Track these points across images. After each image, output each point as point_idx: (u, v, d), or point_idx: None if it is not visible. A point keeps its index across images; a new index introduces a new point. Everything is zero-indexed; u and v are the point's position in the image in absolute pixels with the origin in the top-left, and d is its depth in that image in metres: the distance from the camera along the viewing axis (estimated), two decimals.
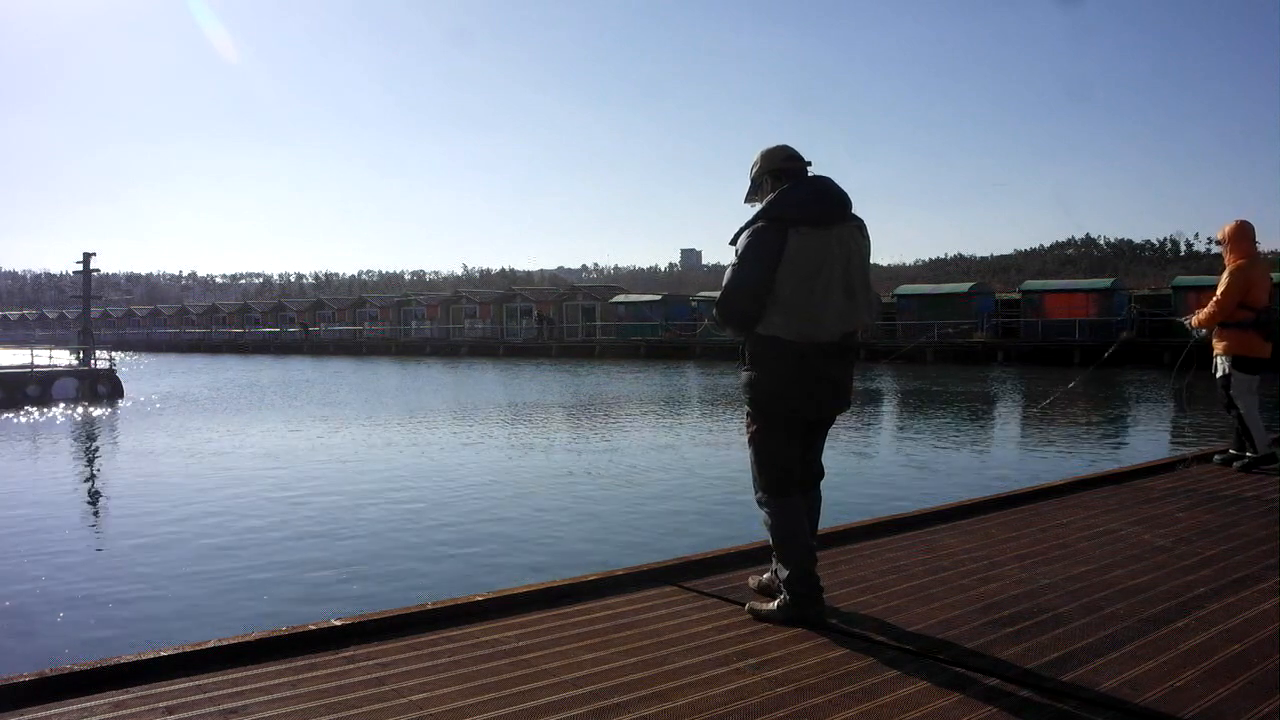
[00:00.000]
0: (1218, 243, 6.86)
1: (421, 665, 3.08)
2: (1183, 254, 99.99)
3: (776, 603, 3.52)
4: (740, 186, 3.73)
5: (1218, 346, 6.73)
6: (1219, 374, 6.76)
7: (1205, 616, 3.50)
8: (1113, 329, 37.52)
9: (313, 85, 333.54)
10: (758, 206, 3.54)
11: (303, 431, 18.34)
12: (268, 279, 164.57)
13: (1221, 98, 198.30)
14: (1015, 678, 2.94)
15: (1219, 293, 6.61)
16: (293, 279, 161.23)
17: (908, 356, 37.97)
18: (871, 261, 3.59)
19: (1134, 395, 25.29)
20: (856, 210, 3.51)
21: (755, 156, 3.62)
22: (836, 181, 3.52)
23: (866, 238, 3.52)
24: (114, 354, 31.52)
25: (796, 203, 3.41)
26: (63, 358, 31.99)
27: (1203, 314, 6.78)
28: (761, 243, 3.37)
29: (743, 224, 3.48)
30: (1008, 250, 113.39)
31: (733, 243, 3.50)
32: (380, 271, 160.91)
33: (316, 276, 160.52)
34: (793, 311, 3.36)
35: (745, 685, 2.90)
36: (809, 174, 3.56)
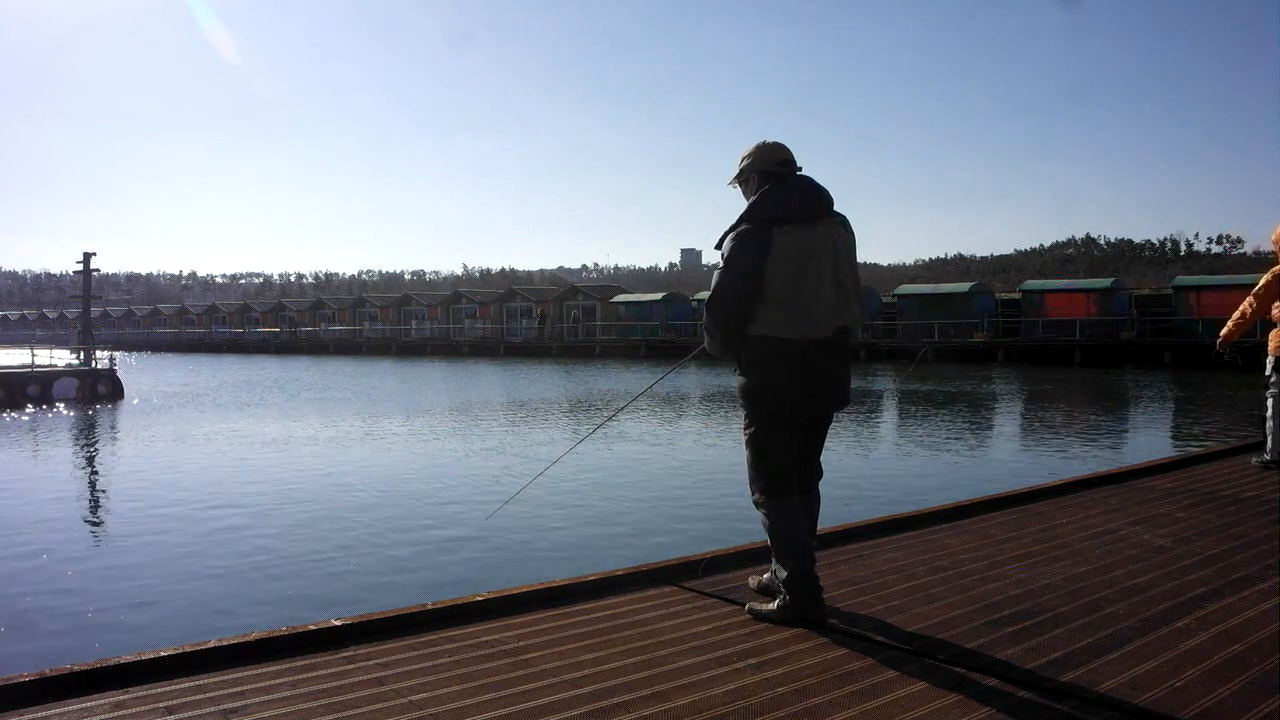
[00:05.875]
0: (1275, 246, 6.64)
1: (421, 665, 3.08)
2: (1183, 254, 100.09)
3: (776, 603, 3.52)
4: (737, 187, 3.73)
5: (1270, 346, 6.65)
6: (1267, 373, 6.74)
7: (1205, 616, 3.50)
8: (1113, 329, 37.59)
9: (313, 85, 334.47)
10: (737, 190, 3.66)
11: (303, 430, 18.34)
12: (268, 279, 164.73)
13: (1221, 98, 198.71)
14: (1015, 678, 2.94)
15: (1251, 292, 6.60)
16: (293, 279, 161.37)
17: (910, 356, 37.97)
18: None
19: (1134, 395, 25.29)
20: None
21: (750, 146, 3.62)
22: (822, 182, 3.55)
23: (851, 233, 3.54)
24: (114, 354, 31.46)
25: (779, 202, 3.43)
26: (63, 358, 31.97)
27: (1229, 325, 6.77)
28: (748, 243, 3.39)
29: (726, 229, 3.50)
30: (1008, 250, 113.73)
31: (718, 247, 3.52)
32: (380, 271, 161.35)
33: (316, 276, 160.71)
34: (785, 308, 3.37)
35: (745, 685, 2.89)
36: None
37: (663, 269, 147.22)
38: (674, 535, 8.83)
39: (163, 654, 3.07)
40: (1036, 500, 5.84)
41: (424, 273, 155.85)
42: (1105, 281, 43.21)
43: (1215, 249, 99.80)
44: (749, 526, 4.29)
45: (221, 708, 2.72)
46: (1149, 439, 16.90)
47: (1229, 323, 6.85)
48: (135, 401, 25.58)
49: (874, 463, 13.77)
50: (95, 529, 10.38)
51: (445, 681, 2.93)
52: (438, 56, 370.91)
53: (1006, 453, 15.18)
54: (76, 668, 2.95)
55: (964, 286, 46.12)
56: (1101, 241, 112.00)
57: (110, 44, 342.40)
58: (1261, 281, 6.60)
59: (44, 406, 24.36)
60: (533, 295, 61.30)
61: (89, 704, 2.75)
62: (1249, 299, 6.69)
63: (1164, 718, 2.64)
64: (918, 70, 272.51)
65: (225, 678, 2.95)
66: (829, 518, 4.18)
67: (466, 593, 3.94)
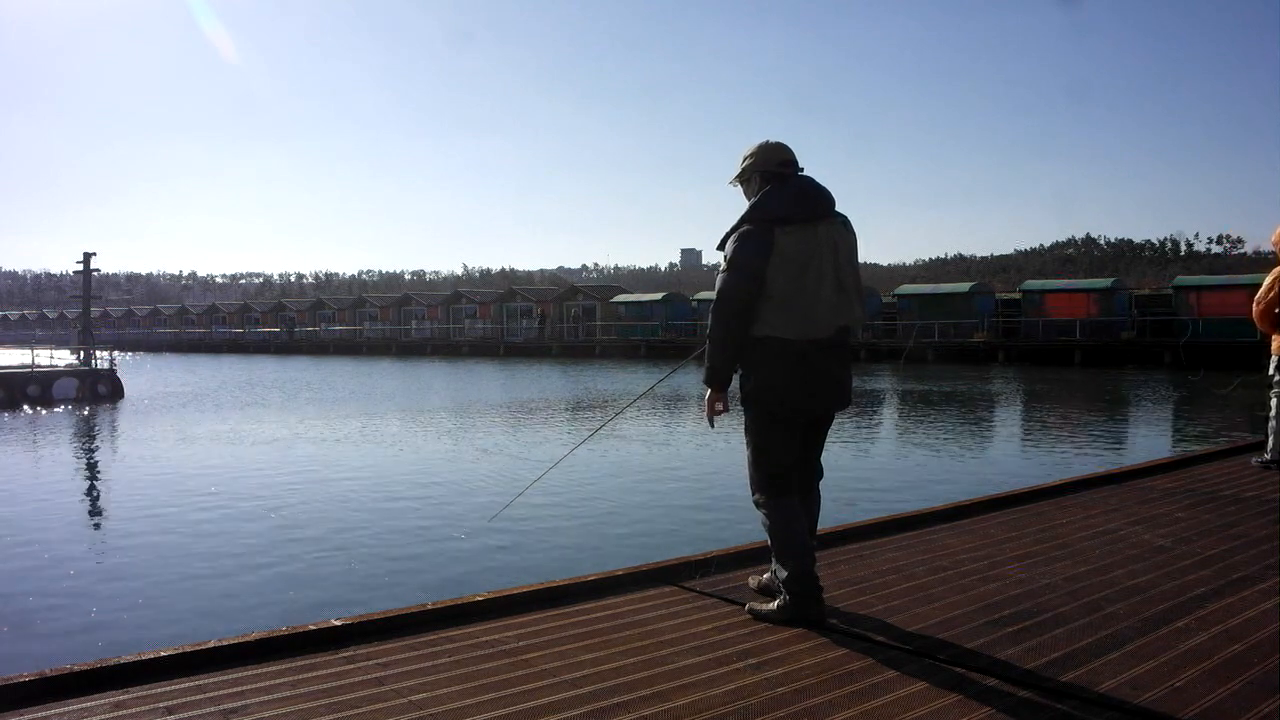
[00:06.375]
0: (1274, 247, 6.62)
1: (421, 665, 3.08)
2: (1183, 254, 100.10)
3: (776, 603, 3.52)
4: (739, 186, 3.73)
5: (1272, 346, 6.63)
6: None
7: (1205, 616, 3.50)
8: (1113, 329, 37.59)
9: (313, 85, 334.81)
10: (738, 189, 3.67)
11: (303, 431, 18.34)
12: (268, 279, 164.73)
13: (1221, 98, 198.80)
14: (1015, 678, 2.94)
15: (1257, 295, 6.58)
16: (293, 279, 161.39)
17: (910, 357, 37.96)
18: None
19: (1134, 395, 25.29)
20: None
21: (753, 146, 3.62)
22: (822, 182, 3.56)
23: (852, 233, 3.55)
24: (114, 354, 31.45)
25: (781, 203, 3.44)
26: (63, 358, 31.97)
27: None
28: (750, 243, 3.40)
29: (728, 229, 3.51)
30: (1008, 250, 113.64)
31: (720, 248, 3.52)
32: (380, 271, 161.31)
33: (316, 276, 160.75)
34: (786, 308, 3.38)
35: (745, 685, 2.89)
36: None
37: (663, 269, 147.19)
38: (674, 535, 8.83)
39: (163, 654, 3.07)
40: (1036, 500, 5.84)
41: (424, 273, 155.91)
42: (1105, 281, 43.19)
43: (1215, 249, 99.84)
44: (749, 526, 4.30)
45: (221, 708, 2.72)
46: (1149, 439, 16.89)
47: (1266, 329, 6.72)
48: (134, 402, 25.58)
49: (874, 463, 13.76)
50: (95, 529, 10.38)
51: (445, 681, 2.93)
52: (438, 56, 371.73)
53: (1006, 453, 15.18)
54: (76, 668, 2.95)
55: (964, 286, 46.10)
56: (1101, 241, 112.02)
57: (110, 44, 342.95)
58: (1264, 285, 6.55)
59: (44, 407, 24.36)
60: (533, 295, 61.29)
61: (89, 704, 2.75)
62: (1257, 310, 6.59)
63: (1164, 718, 2.64)
64: (918, 70, 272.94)
65: (225, 678, 2.95)
66: (829, 518, 4.18)
67: (466, 593, 3.94)
